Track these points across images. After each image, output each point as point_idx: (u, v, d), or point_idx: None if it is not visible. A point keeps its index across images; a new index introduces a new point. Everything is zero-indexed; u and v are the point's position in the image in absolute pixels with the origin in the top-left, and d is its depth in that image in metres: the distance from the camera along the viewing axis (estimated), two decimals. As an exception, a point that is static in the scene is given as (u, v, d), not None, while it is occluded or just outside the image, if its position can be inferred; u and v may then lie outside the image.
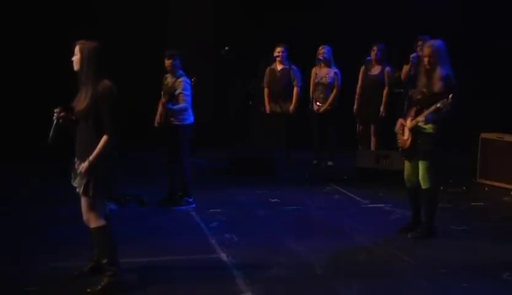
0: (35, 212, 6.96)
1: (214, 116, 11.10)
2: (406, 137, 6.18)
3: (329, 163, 9.73)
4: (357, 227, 6.61)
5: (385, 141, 9.31)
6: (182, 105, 7.14)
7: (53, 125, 4.80)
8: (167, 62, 7.22)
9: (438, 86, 5.93)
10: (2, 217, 6.71)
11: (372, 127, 9.43)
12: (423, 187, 6.16)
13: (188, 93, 7.19)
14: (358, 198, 7.90)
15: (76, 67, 4.79)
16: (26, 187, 8.02)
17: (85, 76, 4.73)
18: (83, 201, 4.80)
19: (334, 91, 9.43)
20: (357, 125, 9.62)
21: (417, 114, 6.07)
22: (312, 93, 9.58)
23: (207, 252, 5.73)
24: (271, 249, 5.85)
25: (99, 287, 4.75)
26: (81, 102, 4.72)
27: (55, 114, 4.82)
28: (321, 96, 9.48)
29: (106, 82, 4.71)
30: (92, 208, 4.77)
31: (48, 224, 6.53)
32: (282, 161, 9.42)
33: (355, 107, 9.51)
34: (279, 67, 9.56)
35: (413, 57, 8.67)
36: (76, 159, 4.84)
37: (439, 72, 5.94)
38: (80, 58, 4.75)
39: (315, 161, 9.73)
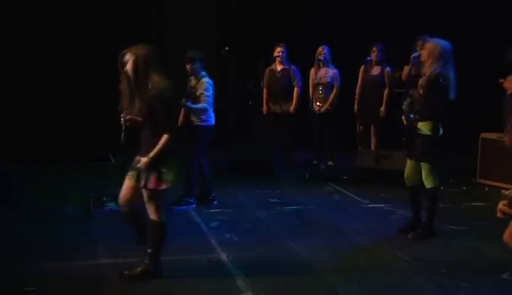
0: (36, 212, 6.97)
1: (214, 116, 11.09)
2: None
3: (329, 163, 9.73)
4: (357, 227, 6.61)
5: (385, 141, 9.32)
6: (201, 105, 7.17)
7: (122, 129, 5.02)
8: (187, 66, 7.26)
9: (422, 82, 6.00)
10: (3, 217, 6.71)
11: (372, 127, 9.44)
12: (427, 187, 6.17)
13: (209, 94, 7.24)
14: (358, 198, 7.90)
15: (130, 73, 4.88)
16: (27, 187, 8.01)
17: (139, 81, 4.85)
18: (144, 194, 4.95)
19: (334, 90, 9.44)
20: (357, 125, 9.62)
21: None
22: (312, 93, 9.58)
23: (207, 252, 5.73)
24: (271, 249, 5.85)
25: (136, 272, 4.97)
26: (139, 106, 4.88)
27: (122, 118, 5.02)
28: (322, 96, 9.48)
29: (160, 83, 4.85)
30: (151, 200, 4.93)
31: (48, 224, 6.53)
32: (282, 161, 9.42)
33: (355, 107, 9.51)
34: (279, 67, 9.57)
35: (414, 57, 8.67)
36: (138, 156, 4.99)
37: (429, 69, 5.97)
38: (132, 65, 4.84)
39: (315, 161, 9.74)
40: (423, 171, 6.15)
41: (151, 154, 4.83)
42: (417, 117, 6.02)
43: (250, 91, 9.97)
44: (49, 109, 10.08)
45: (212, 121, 7.35)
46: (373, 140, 9.44)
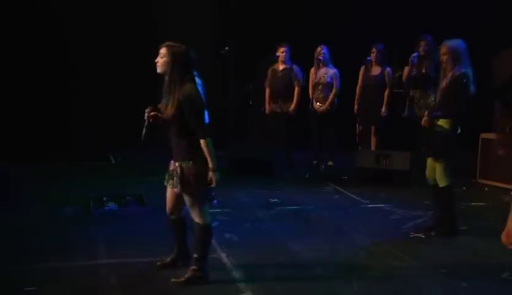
0: (36, 212, 6.96)
1: (214, 116, 11.09)
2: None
3: (329, 163, 9.73)
4: (357, 227, 6.61)
5: (385, 141, 9.32)
6: None
7: (145, 124, 4.91)
8: None
9: (444, 82, 6.07)
10: (3, 217, 6.71)
11: (372, 127, 9.43)
12: (440, 186, 6.20)
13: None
14: (358, 198, 7.90)
15: (160, 69, 4.84)
16: (27, 187, 8.02)
17: (170, 80, 4.78)
18: (187, 199, 4.90)
19: (334, 90, 9.44)
20: (357, 125, 9.62)
21: None
22: (312, 93, 9.59)
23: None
24: (271, 249, 5.85)
25: (183, 279, 4.90)
26: (168, 108, 4.78)
27: (146, 113, 4.90)
28: (321, 95, 9.48)
29: (188, 87, 4.75)
30: (194, 204, 4.89)
31: (48, 224, 6.53)
32: (282, 161, 9.42)
33: (355, 107, 9.51)
34: (281, 67, 9.58)
35: (413, 57, 8.68)
36: (172, 161, 4.94)
37: (452, 70, 6.05)
38: (166, 61, 4.80)
39: (315, 161, 9.73)
40: (437, 169, 6.19)
41: (212, 166, 4.72)
42: (439, 114, 6.07)
43: (250, 91, 9.97)
44: (49, 109, 10.09)
45: (206, 119, 7.30)
46: (373, 140, 9.44)
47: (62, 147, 9.61)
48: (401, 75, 9.07)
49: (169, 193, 5.08)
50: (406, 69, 8.84)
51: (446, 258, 5.65)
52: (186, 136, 4.78)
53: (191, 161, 4.79)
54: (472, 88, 6.10)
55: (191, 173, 4.78)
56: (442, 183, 6.19)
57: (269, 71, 9.69)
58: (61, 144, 9.69)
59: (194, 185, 4.79)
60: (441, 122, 6.11)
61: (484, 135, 8.75)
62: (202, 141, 4.73)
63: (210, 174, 4.76)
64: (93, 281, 4.97)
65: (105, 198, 7.25)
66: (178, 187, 4.84)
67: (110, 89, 10.31)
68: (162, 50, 4.85)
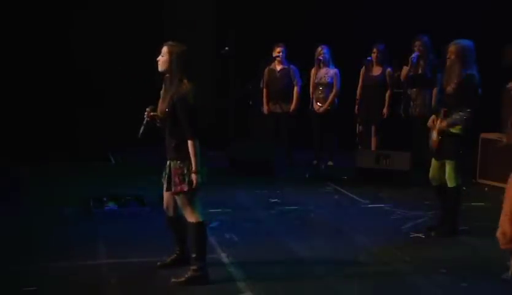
0: (36, 212, 6.96)
1: (214, 116, 11.10)
2: (434, 138, 6.23)
3: (329, 163, 9.73)
4: (357, 227, 6.61)
5: (385, 141, 9.31)
6: None
7: (143, 123, 5.00)
8: None
9: (453, 87, 6.06)
10: (2, 217, 6.71)
11: (372, 127, 9.43)
12: (449, 186, 6.21)
13: None
14: (358, 198, 7.90)
15: (161, 68, 4.90)
16: (27, 187, 8.02)
17: (170, 78, 4.85)
18: (177, 199, 4.94)
19: (334, 91, 9.43)
20: (357, 125, 9.62)
21: (445, 115, 6.15)
22: (312, 93, 9.59)
23: (207, 252, 5.72)
24: (271, 249, 5.85)
25: (183, 279, 4.90)
26: (163, 103, 4.86)
27: (146, 112, 5.00)
28: (322, 96, 9.48)
29: (186, 86, 4.80)
30: (184, 203, 4.90)
31: (48, 224, 6.53)
32: (282, 161, 9.42)
33: (356, 107, 9.50)
34: (278, 67, 9.58)
35: (412, 57, 8.68)
36: (168, 161, 4.99)
37: (459, 72, 6.05)
38: (167, 60, 4.85)
39: (315, 161, 9.73)
40: (447, 170, 6.20)
41: (193, 169, 4.75)
42: (457, 122, 6.11)
43: (250, 91, 9.97)
44: (49, 109, 10.09)
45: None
46: (373, 140, 9.43)
47: (62, 147, 9.61)
48: (399, 75, 9.07)
49: (165, 189, 5.11)
50: (404, 69, 8.85)
51: (446, 258, 5.65)
52: (177, 135, 4.83)
53: (178, 161, 4.85)
54: (479, 90, 6.12)
55: (177, 173, 4.85)
56: (451, 183, 6.19)
57: (266, 71, 9.69)
58: (61, 144, 9.69)
59: (180, 186, 4.84)
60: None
61: (483, 135, 8.75)
62: (189, 141, 4.77)
63: (192, 176, 4.79)
64: (93, 281, 4.97)
65: (105, 198, 7.24)
66: (165, 185, 4.98)
67: (110, 89, 10.31)
68: (164, 49, 4.91)
